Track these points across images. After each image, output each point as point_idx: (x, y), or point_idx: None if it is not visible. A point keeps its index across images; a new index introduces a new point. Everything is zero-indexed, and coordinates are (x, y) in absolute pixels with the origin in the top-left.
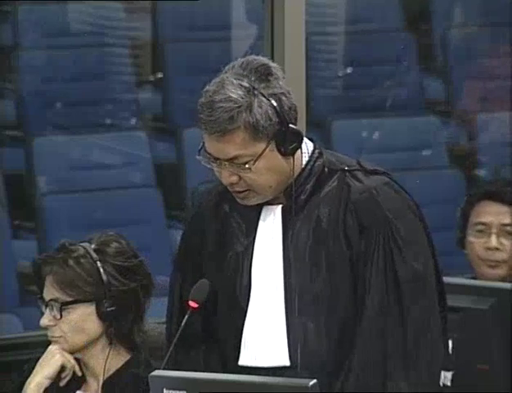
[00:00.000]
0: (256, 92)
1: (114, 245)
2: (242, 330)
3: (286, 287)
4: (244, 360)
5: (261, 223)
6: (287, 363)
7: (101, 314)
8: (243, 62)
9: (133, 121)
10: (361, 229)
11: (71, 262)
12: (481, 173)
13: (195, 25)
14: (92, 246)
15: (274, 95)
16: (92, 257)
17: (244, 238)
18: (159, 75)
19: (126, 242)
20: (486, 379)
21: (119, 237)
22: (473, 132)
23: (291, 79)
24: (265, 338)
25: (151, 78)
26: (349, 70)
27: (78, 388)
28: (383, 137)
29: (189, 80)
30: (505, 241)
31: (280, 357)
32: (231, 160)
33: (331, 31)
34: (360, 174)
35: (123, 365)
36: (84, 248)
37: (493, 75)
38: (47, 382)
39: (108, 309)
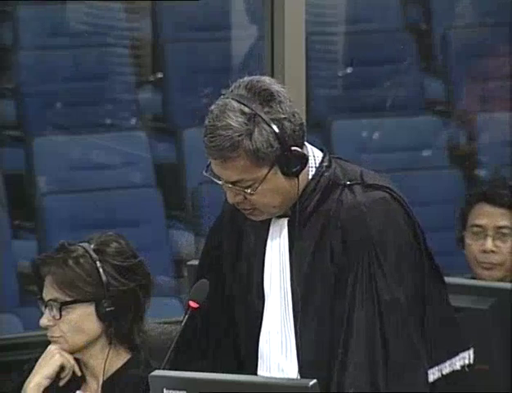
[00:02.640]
0: (257, 118)
1: (114, 245)
2: (258, 341)
3: (294, 301)
4: (261, 371)
5: (270, 236)
6: (297, 376)
7: (100, 314)
8: (247, 84)
9: (133, 121)
10: (344, 247)
11: (70, 262)
12: (481, 173)
13: (195, 25)
14: (92, 246)
15: (276, 120)
16: (91, 257)
17: (255, 249)
18: (159, 75)
19: (125, 242)
20: (486, 379)
21: (119, 237)
22: (473, 132)
23: (291, 79)
24: (276, 352)
25: (151, 78)
26: (349, 70)
27: (78, 388)
28: (383, 137)
29: (189, 80)
30: (500, 244)
31: (290, 371)
32: (234, 183)
33: (331, 31)
34: (357, 189)
35: (122, 365)
36: (83, 248)
37: (493, 75)
38: (46, 382)
39: (107, 309)
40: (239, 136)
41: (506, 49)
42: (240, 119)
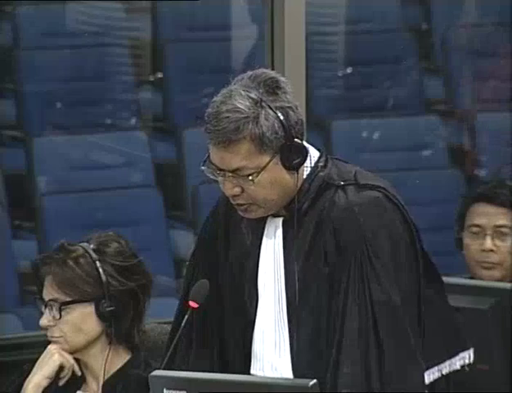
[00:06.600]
0: (263, 104)
1: (113, 245)
2: (251, 340)
3: (288, 301)
4: (254, 370)
5: (265, 235)
6: (291, 376)
7: (100, 314)
8: (252, 75)
9: (133, 121)
10: (337, 247)
11: (70, 262)
12: (481, 173)
13: (195, 25)
14: (91, 246)
15: (281, 108)
16: (91, 257)
17: (250, 249)
18: (159, 75)
19: (125, 242)
20: (486, 379)
21: (118, 237)
22: (473, 132)
23: (291, 79)
24: (270, 351)
25: (151, 78)
26: (349, 70)
27: (78, 388)
28: (383, 137)
29: (189, 80)
30: (499, 243)
31: (284, 370)
32: (234, 171)
33: (331, 31)
34: (350, 189)
35: (122, 365)
36: (83, 248)
37: (493, 75)
38: (45, 382)
39: (107, 309)
40: (245, 118)
41: (506, 49)
42: (247, 103)
